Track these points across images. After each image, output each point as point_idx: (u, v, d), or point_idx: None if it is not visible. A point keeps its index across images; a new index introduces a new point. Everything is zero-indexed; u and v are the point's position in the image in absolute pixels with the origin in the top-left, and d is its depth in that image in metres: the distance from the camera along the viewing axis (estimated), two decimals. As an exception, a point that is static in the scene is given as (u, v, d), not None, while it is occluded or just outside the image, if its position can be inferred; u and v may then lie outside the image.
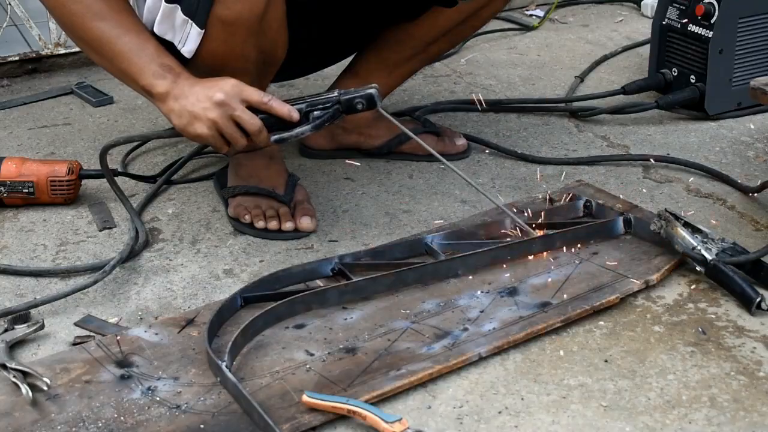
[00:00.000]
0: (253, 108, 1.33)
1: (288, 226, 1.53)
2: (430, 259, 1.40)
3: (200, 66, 1.39)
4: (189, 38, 1.36)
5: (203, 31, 1.35)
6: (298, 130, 1.35)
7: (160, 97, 1.35)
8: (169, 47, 1.39)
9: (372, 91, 1.35)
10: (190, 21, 1.35)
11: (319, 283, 1.36)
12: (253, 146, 1.37)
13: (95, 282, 1.37)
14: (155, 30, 1.38)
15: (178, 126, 1.35)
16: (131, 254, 1.46)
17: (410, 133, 1.46)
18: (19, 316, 1.29)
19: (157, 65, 1.35)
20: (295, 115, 1.34)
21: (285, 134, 1.35)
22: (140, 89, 1.37)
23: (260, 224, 1.53)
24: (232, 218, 1.57)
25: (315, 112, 1.35)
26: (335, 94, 1.36)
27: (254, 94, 1.33)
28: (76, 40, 1.41)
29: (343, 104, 1.35)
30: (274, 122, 1.34)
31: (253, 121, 1.33)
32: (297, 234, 1.52)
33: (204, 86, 1.34)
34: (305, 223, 1.53)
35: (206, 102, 1.32)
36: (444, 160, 1.44)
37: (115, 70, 1.38)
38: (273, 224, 1.53)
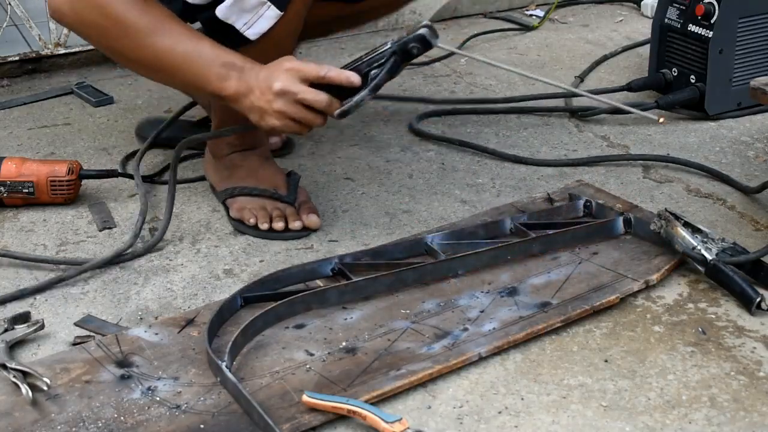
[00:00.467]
0: (315, 84, 1.30)
1: (296, 225, 1.52)
2: (430, 259, 1.40)
3: (251, 52, 1.37)
4: (260, 20, 1.35)
5: (282, 13, 1.34)
6: (358, 96, 1.30)
7: (232, 99, 1.33)
8: (216, 33, 1.37)
9: (423, 31, 1.28)
10: (267, 3, 1.34)
11: (319, 283, 1.36)
12: (325, 121, 1.33)
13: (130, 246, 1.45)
14: (219, 13, 1.35)
15: (254, 120, 1.34)
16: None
17: (476, 56, 1.40)
18: (19, 315, 1.29)
19: (219, 66, 1.33)
20: (355, 80, 1.30)
21: (346, 105, 1.31)
22: (210, 95, 1.36)
23: (264, 226, 1.52)
24: (235, 220, 1.56)
25: (373, 71, 1.30)
26: (388, 45, 1.30)
27: (311, 71, 1.30)
28: (132, 65, 1.38)
29: (398, 54, 1.29)
30: (338, 91, 1.30)
31: (319, 98, 1.30)
32: (301, 233, 1.52)
33: (264, 76, 1.31)
34: (313, 220, 1.53)
35: (268, 94, 1.30)
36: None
37: (179, 84, 1.37)
38: (280, 225, 1.52)
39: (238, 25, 1.37)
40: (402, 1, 1.78)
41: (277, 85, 1.30)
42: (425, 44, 1.28)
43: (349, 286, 1.32)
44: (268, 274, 1.36)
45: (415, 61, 2.24)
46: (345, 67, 1.32)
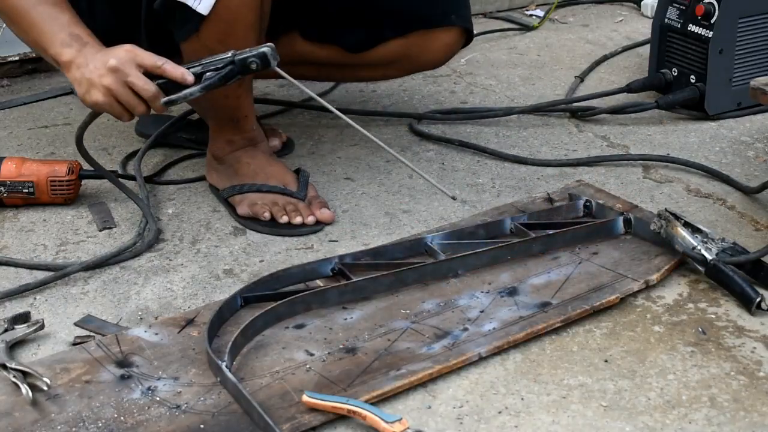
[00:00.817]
0: (149, 75, 1.33)
1: (310, 219, 1.52)
2: (430, 259, 1.40)
3: (212, 28, 1.39)
4: None
5: None
6: (187, 91, 1.34)
7: (66, 66, 1.36)
8: (172, 17, 1.40)
9: (266, 49, 1.33)
10: None
11: (319, 283, 1.36)
12: (148, 112, 1.37)
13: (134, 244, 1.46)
14: None
15: (79, 94, 1.37)
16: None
17: (318, 98, 1.43)
18: (19, 315, 1.29)
19: (66, 34, 1.37)
20: (189, 78, 1.34)
21: (174, 96, 1.34)
22: (50, 58, 1.39)
23: (284, 219, 1.52)
24: (245, 217, 1.55)
25: (208, 73, 1.34)
26: (229, 55, 1.34)
27: (148, 59, 1.34)
28: None
29: (237, 64, 1.33)
30: (171, 87, 1.34)
31: (147, 87, 1.33)
32: (316, 228, 1.52)
33: (102, 54, 1.35)
34: (326, 213, 1.54)
35: (102, 69, 1.33)
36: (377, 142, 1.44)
37: (30, 41, 1.40)
38: (297, 219, 1.52)
39: (189, 2, 1.38)
40: (402, 73, 1.83)
41: (111, 62, 1.32)
42: (264, 62, 1.34)
43: (349, 286, 1.32)
44: (268, 274, 1.36)
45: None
46: (184, 65, 1.35)
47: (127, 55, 1.33)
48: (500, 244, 1.41)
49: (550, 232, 1.44)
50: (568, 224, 1.47)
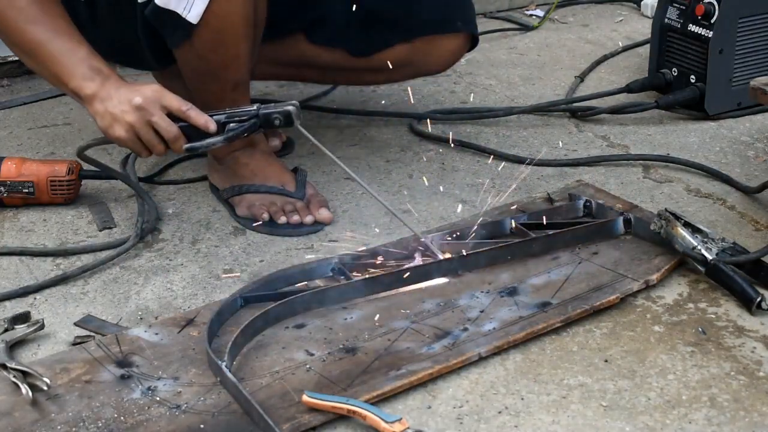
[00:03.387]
0: (172, 116, 1.35)
1: (308, 219, 1.53)
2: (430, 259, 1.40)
3: (203, 36, 1.40)
4: (196, 2, 1.37)
5: None
6: (210, 140, 1.35)
7: (88, 99, 1.37)
8: (164, 24, 1.40)
9: (291, 108, 1.35)
10: None
11: (319, 283, 1.36)
12: (166, 152, 1.39)
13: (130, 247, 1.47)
14: (158, 2, 1.38)
15: (101, 128, 1.38)
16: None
17: (333, 156, 1.42)
18: (19, 315, 1.29)
19: (87, 67, 1.38)
20: (212, 126, 1.35)
21: (197, 144, 1.36)
22: (71, 92, 1.40)
23: (282, 219, 1.52)
24: (244, 218, 1.55)
25: (231, 124, 1.35)
26: (254, 108, 1.36)
27: (174, 102, 1.35)
28: (11, 46, 1.43)
29: (261, 118, 1.35)
30: (193, 131, 1.35)
31: (170, 129, 1.35)
32: (315, 228, 1.53)
33: (127, 89, 1.36)
34: (324, 214, 1.54)
35: (126, 105, 1.35)
36: (365, 185, 1.45)
37: (48, 74, 1.41)
38: (295, 218, 1.52)
39: (179, 10, 1.39)
40: (406, 78, 1.83)
41: (137, 100, 1.34)
42: (288, 121, 1.35)
43: (349, 286, 1.32)
44: (267, 275, 1.36)
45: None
46: (209, 113, 1.36)
47: (154, 95, 1.35)
48: (500, 245, 1.41)
49: (551, 232, 1.44)
50: (568, 224, 1.47)
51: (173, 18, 1.39)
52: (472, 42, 1.73)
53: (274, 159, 1.63)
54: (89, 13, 1.53)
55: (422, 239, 1.39)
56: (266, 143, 1.65)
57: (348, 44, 1.71)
